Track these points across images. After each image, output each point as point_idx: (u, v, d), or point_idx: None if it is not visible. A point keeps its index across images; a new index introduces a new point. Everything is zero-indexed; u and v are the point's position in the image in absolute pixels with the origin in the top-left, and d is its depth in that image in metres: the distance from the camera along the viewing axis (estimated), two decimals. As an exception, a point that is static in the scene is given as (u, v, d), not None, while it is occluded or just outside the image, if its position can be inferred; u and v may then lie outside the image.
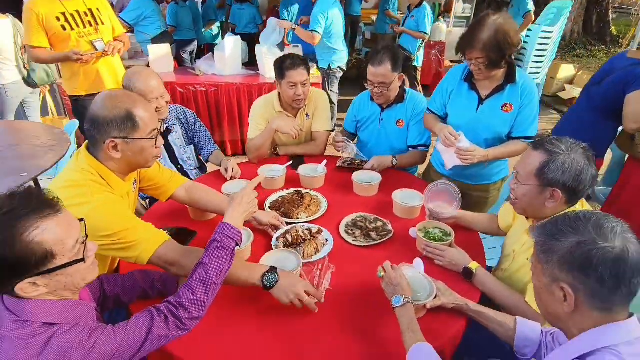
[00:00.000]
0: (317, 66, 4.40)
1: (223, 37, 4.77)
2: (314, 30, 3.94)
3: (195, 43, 5.68)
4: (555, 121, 2.59)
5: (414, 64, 5.21)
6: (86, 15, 2.72)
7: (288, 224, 1.71)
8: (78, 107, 2.95)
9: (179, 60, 5.37)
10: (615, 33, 9.85)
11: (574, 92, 5.92)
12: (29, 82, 3.48)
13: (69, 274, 0.87)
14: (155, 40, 4.67)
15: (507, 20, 1.68)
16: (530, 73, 5.51)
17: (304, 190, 1.97)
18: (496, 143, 1.89)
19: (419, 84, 5.43)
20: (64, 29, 2.64)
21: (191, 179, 2.09)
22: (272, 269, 1.25)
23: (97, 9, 2.78)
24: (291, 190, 1.98)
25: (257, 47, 4.14)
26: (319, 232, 1.65)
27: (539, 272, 0.90)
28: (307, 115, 2.40)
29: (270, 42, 4.07)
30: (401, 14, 6.36)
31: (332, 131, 3.40)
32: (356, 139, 2.52)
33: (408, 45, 5.11)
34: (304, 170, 2.10)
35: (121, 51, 2.93)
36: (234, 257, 1.15)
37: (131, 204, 1.47)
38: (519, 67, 5.47)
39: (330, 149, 2.39)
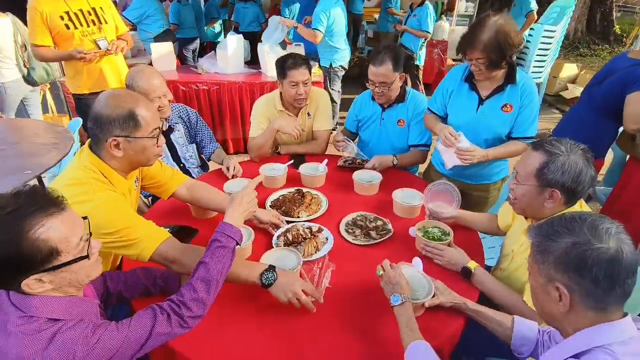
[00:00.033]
0: (319, 65, 4.41)
1: (225, 35, 4.78)
2: (316, 29, 3.95)
3: (198, 41, 5.70)
4: (557, 120, 2.59)
5: (416, 62, 5.21)
6: (89, 14, 2.74)
7: (289, 222, 1.72)
8: (81, 105, 2.98)
9: (181, 58, 5.39)
10: (619, 32, 9.80)
11: (577, 91, 5.90)
12: (29, 80, 3.50)
13: (73, 270, 0.89)
14: (158, 38, 4.69)
15: (508, 21, 1.69)
16: (532, 72, 5.49)
17: (304, 189, 1.98)
18: (496, 143, 1.90)
19: (421, 82, 5.43)
20: (68, 27, 2.66)
21: (193, 177, 2.11)
22: (271, 268, 1.27)
23: (101, 7, 2.80)
24: (292, 189, 1.99)
25: (259, 46, 4.16)
26: (319, 230, 1.66)
27: (535, 272, 0.91)
28: (308, 114, 2.41)
29: (273, 41, 4.08)
30: (403, 12, 6.35)
31: (334, 129, 3.40)
32: (357, 138, 2.53)
33: (410, 44, 5.11)
34: (305, 169, 2.11)
35: (124, 50, 2.95)
36: (234, 256, 1.16)
37: (133, 201, 1.49)
38: (521, 66, 5.43)
39: (332, 148, 2.40)
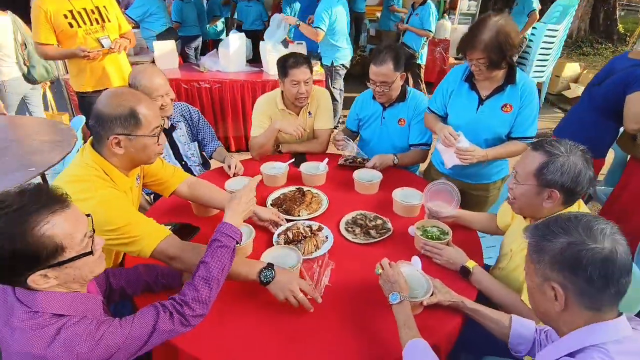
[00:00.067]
0: (321, 63, 4.42)
1: (227, 34, 4.79)
2: (318, 27, 3.95)
3: (200, 39, 5.71)
4: (559, 120, 2.60)
5: (418, 61, 5.21)
6: (93, 12, 2.76)
7: (289, 221, 1.74)
8: (85, 103, 3.00)
9: (183, 56, 5.39)
10: (623, 31, 9.75)
11: (579, 90, 5.88)
12: (28, 78, 3.53)
13: (77, 266, 0.91)
14: (161, 36, 4.70)
15: (508, 21, 1.70)
16: (535, 71, 5.48)
17: (305, 188, 1.99)
18: (496, 143, 1.91)
19: (423, 81, 5.42)
20: (71, 26, 2.68)
21: (195, 175, 2.13)
22: (270, 266, 1.29)
23: (104, 6, 2.82)
24: (293, 188, 2.00)
25: (262, 44, 4.17)
26: (320, 229, 1.67)
27: (532, 271, 0.92)
28: (309, 113, 2.42)
29: (275, 39, 4.09)
30: (406, 9, 6.33)
31: (335, 128, 3.40)
32: (358, 137, 2.54)
33: (412, 43, 5.11)
34: (305, 168, 2.13)
35: (127, 48, 2.97)
36: (234, 255, 1.18)
37: (135, 199, 1.51)
38: (523, 65, 5.41)
39: (332, 147, 2.41)
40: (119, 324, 0.94)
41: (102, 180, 1.29)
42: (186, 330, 1.04)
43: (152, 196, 2.33)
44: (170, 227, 1.62)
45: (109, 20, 2.83)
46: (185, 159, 2.37)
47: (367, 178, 2.02)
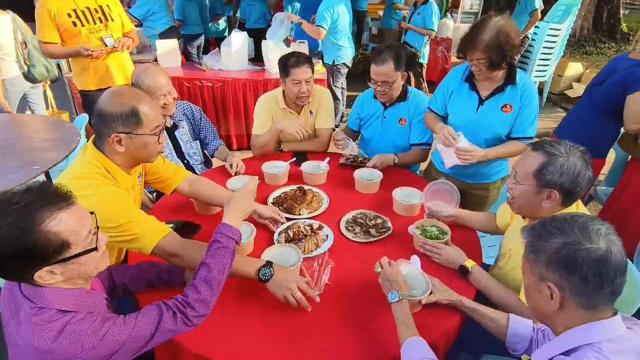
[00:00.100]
0: (323, 62, 4.42)
1: (230, 32, 4.80)
2: (320, 26, 3.96)
3: (202, 38, 5.71)
4: (561, 120, 2.61)
5: (420, 60, 5.20)
6: (96, 11, 2.77)
7: (290, 219, 1.75)
8: (88, 101, 3.02)
9: (186, 54, 5.41)
10: (626, 30, 9.69)
11: (581, 90, 5.86)
12: (29, 77, 3.56)
13: (82, 262, 0.93)
14: (163, 35, 4.71)
15: (509, 22, 1.70)
16: (537, 71, 5.47)
17: (306, 187, 2.00)
18: (496, 143, 1.92)
19: (425, 80, 5.42)
20: (75, 25, 2.69)
21: (197, 174, 2.15)
22: (268, 264, 1.30)
23: (107, 5, 2.83)
24: (294, 187, 2.02)
25: (264, 43, 4.17)
26: (320, 228, 1.69)
27: (528, 271, 0.94)
28: (310, 112, 2.44)
29: (277, 38, 4.10)
30: (408, 8, 6.32)
31: (337, 126, 3.40)
32: (359, 137, 2.55)
33: (414, 42, 5.10)
34: (306, 167, 2.14)
35: (130, 47, 2.98)
36: (234, 255, 1.20)
37: (136, 196, 1.52)
38: (525, 64, 5.38)
39: (334, 146, 2.43)
40: (123, 321, 0.96)
41: (103, 177, 1.31)
42: (188, 330, 1.06)
43: (154, 194, 2.35)
44: (172, 225, 1.63)
45: (112, 19, 2.85)
46: (187, 157, 2.38)
47: (367, 177, 2.03)
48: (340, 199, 1.94)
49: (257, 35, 5.20)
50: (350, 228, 1.71)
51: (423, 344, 1.09)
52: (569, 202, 1.29)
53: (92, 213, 0.97)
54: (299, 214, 1.80)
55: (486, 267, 1.56)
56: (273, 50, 4.03)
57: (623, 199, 2.38)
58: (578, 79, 6.39)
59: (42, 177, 2.18)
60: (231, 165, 2.15)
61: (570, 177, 1.22)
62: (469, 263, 1.44)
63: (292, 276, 1.31)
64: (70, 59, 3.05)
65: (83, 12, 2.72)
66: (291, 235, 1.63)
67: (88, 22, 2.74)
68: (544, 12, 5.52)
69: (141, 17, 4.75)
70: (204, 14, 5.82)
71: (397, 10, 6.59)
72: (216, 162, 2.47)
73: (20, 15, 3.48)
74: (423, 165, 2.51)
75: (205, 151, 2.52)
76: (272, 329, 1.24)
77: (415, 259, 1.45)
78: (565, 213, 0.93)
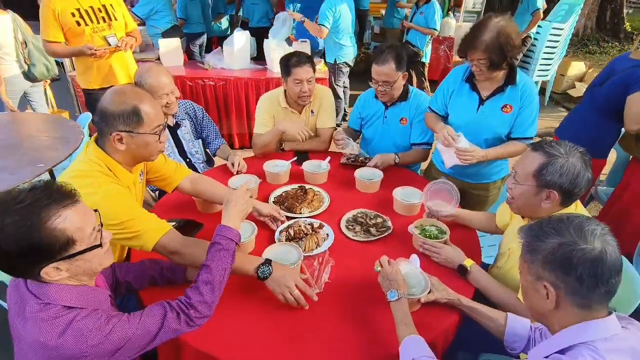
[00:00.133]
0: (325, 61, 4.43)
1: (232, 31, 4.81)
2: (322, 25, 3.97)
3: (205, 36, 5.73)
4: (562, 119, 2.62)
5: (422, 59, 5.20)
6: (100, 11, 2.79)
7: (291, 218, 1.77)
8: (91, 100, 3.03)
9: (188, 53, 5.42)
10: (630, 29, 9.64)
11: (584, 89, 5.84)
12: (29, 76, 3.58)
13: (87, 259, 0.95)
14: (166, 34, 4.73)
15: (510, 22, 1.71)
16: (539, 70, 5.46)
17: (307, 186, 2.02)
18: (496, 143, 1.92)
19: (427, 79, 5.42)
20: (79, 24, 2.71)
21: (199, 172, 2.16)
22: (267, 262, 1.32)
23: (111, 5, 2.85)
24: (295, 186, 2.03)
25: (266, 42, 4.18)
26: (320, 227, 1.70)
27: (525, 270, 0.95)
28: (312, 111, 2.45)
29: (279, 37, 4.11)
30: (411, 6, 6.31)
31: (338, 125, 3.41)
32: (361, 136, 2.56)
33: (416, 41, 5.10)
34: (308, 166, 2.15)
35: (133, 47, 3.00)
36: (235, 256, 1.21)
37: (138, 194, 1.54)
38: (528, 64, 5.36)
39: (335, 145, 2.44)
40: (128, 319, 0.97)
41: (105, 175, 1.33)
42: (191, 330, 1.08)
43: (157, 192, 2.37)
44: (174, 223, 1.65)
45: (116, 19, 2.87)
46: (189, 156, 2.40)
47: (368, 177, 2.04)
48: (340, 198, 1.95)
49: (260, 34, 5.20)
50: (350, 227, 1.72)
51: (421, 342, 1.11)
52: (568, 202, 1.30)
53: (95, 210, 0.99)
54: (300, 213, 1.81)
55: (486, 267, 1.57)
56: (275, 49, 4.04)
57: (624, 199, 2.38)
58: (581, 79, 6.37)
59: (45, 175, 2.20)
60: (233, 164, 2.17)
61: (569, 177, 1.23)
62: (468, 262, 1.45)
63: (291, 274, 1.32)
64: (73, 58, 3.07)
65: (87, 11, 2.73)
66: (292, 233, 1.64)
67: (92, 21, 2.76)
68: (546, 11, 5.49)
69: (144, 16, 4.77)
70: (207, 13, 5.83)
71: (399, 9, 6.58)
72: (218, 161, 2.48)
73: (20, 14, 3.50)
74: (423, 165, 2.52)
75: (208, 150, 2.54)
76: (273, 326, 1.26)
77: (414, 258, 1.46)
78: (563, 213, 0.94)
